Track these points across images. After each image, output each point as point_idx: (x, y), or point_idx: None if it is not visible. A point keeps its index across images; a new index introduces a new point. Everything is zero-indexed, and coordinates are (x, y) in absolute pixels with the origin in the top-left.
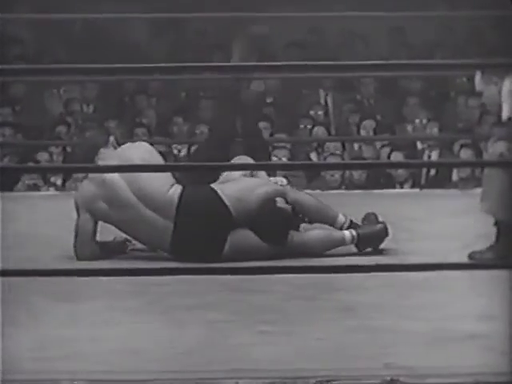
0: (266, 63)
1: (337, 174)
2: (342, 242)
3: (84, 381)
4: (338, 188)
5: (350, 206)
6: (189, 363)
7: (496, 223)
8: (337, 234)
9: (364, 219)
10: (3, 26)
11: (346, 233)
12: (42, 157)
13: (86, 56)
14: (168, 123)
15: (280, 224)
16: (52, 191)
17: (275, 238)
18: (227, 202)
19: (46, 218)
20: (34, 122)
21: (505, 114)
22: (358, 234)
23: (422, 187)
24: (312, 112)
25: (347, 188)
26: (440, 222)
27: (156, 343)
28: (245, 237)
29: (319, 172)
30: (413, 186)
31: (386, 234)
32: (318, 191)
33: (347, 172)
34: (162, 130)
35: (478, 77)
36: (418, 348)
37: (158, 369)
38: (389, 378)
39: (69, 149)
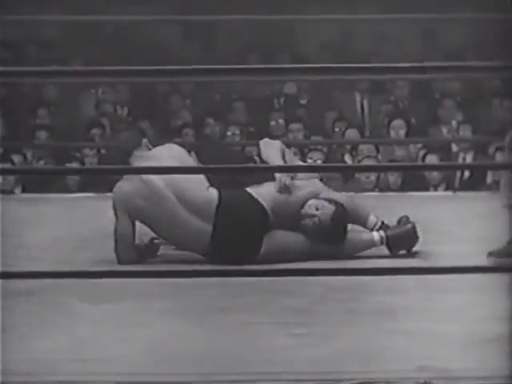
0: (299, 65)
1: (372, 176)
2: (372, 243)
3: (116, 383)
4: (373, 190)
5: (384, 208)
6: (223, 365)
7: None
8: (366, 235)
9: (398, 222)
10: (38, 28)
11: (375, 234)
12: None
13: (119, 58)
14: (201, 124)
15: (341, 225)
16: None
17: (333, 239)
18: (264, 205)
19: (81, 219)
20: (69, 124)
21: None
22: (387, 236)
23: (455, 190)
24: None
25: (381, 190)
26: (473, 224)
27: (190, 345)
28: (280, 238)
29: (353, 174)
30: (447, 189)
31: (416, 235)
32: (352, 193)
33: (382, 174)
34: (195, 131)
35: None
36: (451, 350)
37: (191, 371)
38: (422, 381)
39: (103, 151)
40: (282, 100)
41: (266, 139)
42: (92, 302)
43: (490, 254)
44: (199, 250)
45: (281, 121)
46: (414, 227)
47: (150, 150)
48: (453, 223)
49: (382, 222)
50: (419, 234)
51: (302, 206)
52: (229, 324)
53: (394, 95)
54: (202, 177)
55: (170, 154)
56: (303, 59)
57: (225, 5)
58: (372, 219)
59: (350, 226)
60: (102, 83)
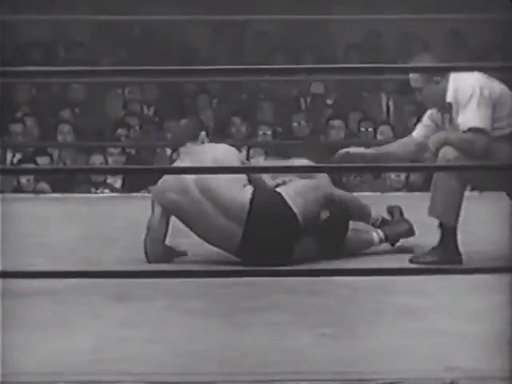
0: (325, 65)
1: (402, 176)
2: (371, 243)
3: (143, 383)
4: (401, 190)
5: (410, 207)
6: (249, 365)
7: (440, 225)
8: (366, 235)
9: (389, 212)
10: (66, 29)
11: (374, 235)
12: (98, 160)
13: (147, 58)
14: (227, 124)
15: (339, 226)
16: (108, 193)
17: (331, 238)
18: (292, 205)
19: (107, 219)
20: (96, 125)
21: (464, 124)
22: (386, 236)
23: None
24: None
25: (410, 190)
26: (497, 224)
27: (216, 345)
28: (310, 242)
29: (379, 174)
30: (473, 189)
31: (413, 234)
32: (378, 193)
33: (410, 174)
34: (221, 131)
35: (414, 73)
36: (478, 350)
37: (218, 371)
38: (449, 381)
39: (133, 151)
40: (308, 99)
41: None
42: (119, 301)
43: (413, 261)
44: (229, 250)
45: (303, 122)
46: (411, 227)
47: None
48: (478, 223)
49: (383, 218)
50: (416, 231)
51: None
52: (254, 324)
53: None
54: (239, 175)
55: (214, 153)
56: (330, 59)
57: (252, 5)
58: (374, 215)
59: (352, 224)
60: (129, 83)
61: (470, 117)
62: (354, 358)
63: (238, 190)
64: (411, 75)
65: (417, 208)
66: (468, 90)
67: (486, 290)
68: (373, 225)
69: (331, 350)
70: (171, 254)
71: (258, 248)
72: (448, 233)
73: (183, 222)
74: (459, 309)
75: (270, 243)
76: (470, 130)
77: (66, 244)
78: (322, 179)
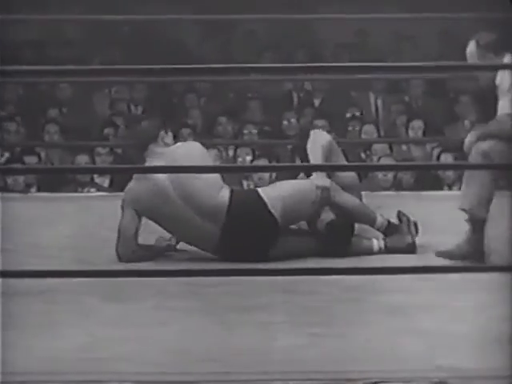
0: (314, 64)
1: (389, 175)
2: (370, 251)
3: (133, 382)
4: (389, 189)
5: (398, 207)
6: (238, 364)
7: (470, 220)
8: (367, 243)
9: (398, 218)
10: (56, 28)
11: (375, 243)
12: (83, 159)
13: (136, 57)
14: (214, 123)
15: (341, 233)
16: (95, 192)
17: (333, 244)
18: (271, 208)
19: (96, 218)
20: (83, 124)
21: (501, 110)
22: (386, 247)
23: None
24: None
25: (398, 189)
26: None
27: (206, 344)
28: (288, 243)
29: (367, 173)
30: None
31: (414, 251)
32: (367, 192)
33: (399, 173)
34: (208, 131)
35: (471, 48)
36: (466, 350)
37: (207, 370)
38: (437, 380)
39: (119, 150)
40: (301, 95)
41: (318, 131)
42: (108, 300)
43: (439, 255)
44: (208, 250)
45: (293, 120)
46: (414, 243)
47: (166, 144)
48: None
49: (389, 222)
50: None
51: (316, 209)
52: (243, 323)
53: (409, 94)
54: (216, 176)
55: (187, 153)
56: (319, 58)
57: (241, 4)
58: (379, 220)
59: (357, 228)
60: (116, 82)
61: (507, 103)
62: (343, 358)
63: (215, 191)
64: (468, 50)
65: (405, 207)
66: (510, 76)
67: (484, 288)
68: (378, 229)
69: (320, 350)
70: (145, 253)
71: (236, 247)
72: (478, 226)
73: (159, 224)
74: (448, 308)
75: (247, 243)
76: (507, 115)
77: (56, 243)
78: (325, 181)
